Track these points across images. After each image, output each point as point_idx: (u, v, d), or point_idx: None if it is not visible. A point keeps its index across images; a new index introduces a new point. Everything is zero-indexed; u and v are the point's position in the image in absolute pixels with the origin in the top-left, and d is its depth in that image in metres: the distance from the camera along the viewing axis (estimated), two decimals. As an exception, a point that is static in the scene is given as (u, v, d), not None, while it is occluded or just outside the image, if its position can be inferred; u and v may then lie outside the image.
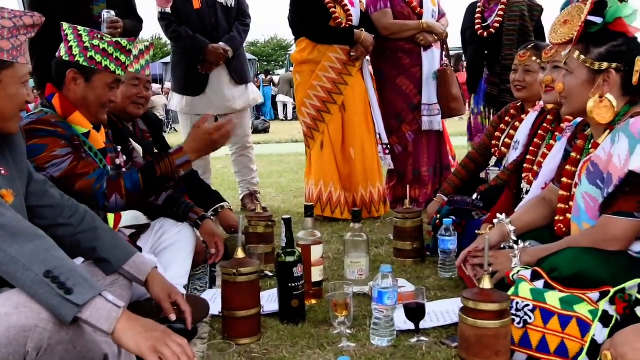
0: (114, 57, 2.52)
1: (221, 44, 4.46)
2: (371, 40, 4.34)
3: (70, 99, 2.52)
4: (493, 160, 3.57)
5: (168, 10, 4.43)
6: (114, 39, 2.54)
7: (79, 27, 2.51)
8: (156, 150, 3.37)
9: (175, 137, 11.65)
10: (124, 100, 3.07)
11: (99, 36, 2.50)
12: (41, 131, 2.39)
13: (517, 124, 3.46)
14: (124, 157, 2.90)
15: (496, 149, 3.54)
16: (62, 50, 2.50)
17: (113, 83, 2.57)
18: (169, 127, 16.21)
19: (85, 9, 3.84)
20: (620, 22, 2.09)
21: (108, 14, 3.80)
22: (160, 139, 3.51)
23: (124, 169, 2.84)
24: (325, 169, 4.34)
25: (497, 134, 3.58)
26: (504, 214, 2.51)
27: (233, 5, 4.57)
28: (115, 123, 3.06)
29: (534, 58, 3.37)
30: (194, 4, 4.42)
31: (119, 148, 2.86)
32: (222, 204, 3.29)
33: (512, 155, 3.34)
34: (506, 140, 3.48)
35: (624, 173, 1.93)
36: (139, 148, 3.18)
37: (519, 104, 3.55)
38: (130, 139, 3.13)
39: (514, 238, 2.43)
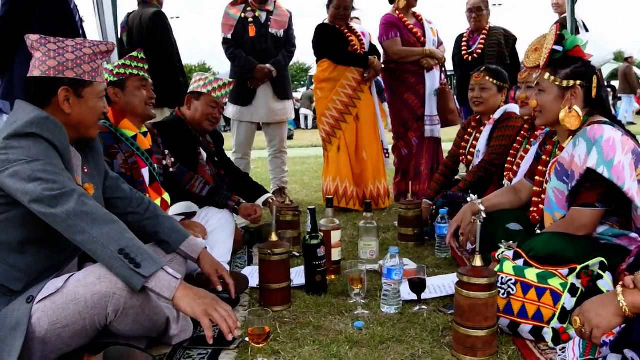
0: (133, 66, 2.59)
1: (267, 65, 4.59)
2: (381, 66, 4.46)
3: (119, 110, 2.57)
4: (462, 167, 3.60)
5: (229, 36, 4.60)
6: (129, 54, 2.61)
7: None
8: (216, 159, 3.49)
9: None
10: (202, 116, 3.26)
11: None
12: None
13: (477, 135, 3.47)
14: (172, 159, 2.97)
15: (463, 157, 3.57)
16: None
17: (142, 82, 2.61)
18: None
19: None
20: (578, 49, 2.19)
21: None
22: (221, 151, 3.62)
23: (171, 169, 2.94)
24: (341, 168, 4.39)
25: (462, 144, 3.61)
26: (475, 195, 2.57)
27: (282, 36, 4.69)
28: (190, 130, 3.25)
29: (487, 78, 3.35)
30: (250, 33, 4.60)
31: (167, 152, 2.94)
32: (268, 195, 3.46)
33: (476, 161, 3.40)
34: (470, 150, 3.52)
35: (584, 170, 1.98)
36: (204, 154, 3.34)
37: (477, 117, 3.55)
38: (200, 146, 3.29)
39: (484, 215, 2.49)
